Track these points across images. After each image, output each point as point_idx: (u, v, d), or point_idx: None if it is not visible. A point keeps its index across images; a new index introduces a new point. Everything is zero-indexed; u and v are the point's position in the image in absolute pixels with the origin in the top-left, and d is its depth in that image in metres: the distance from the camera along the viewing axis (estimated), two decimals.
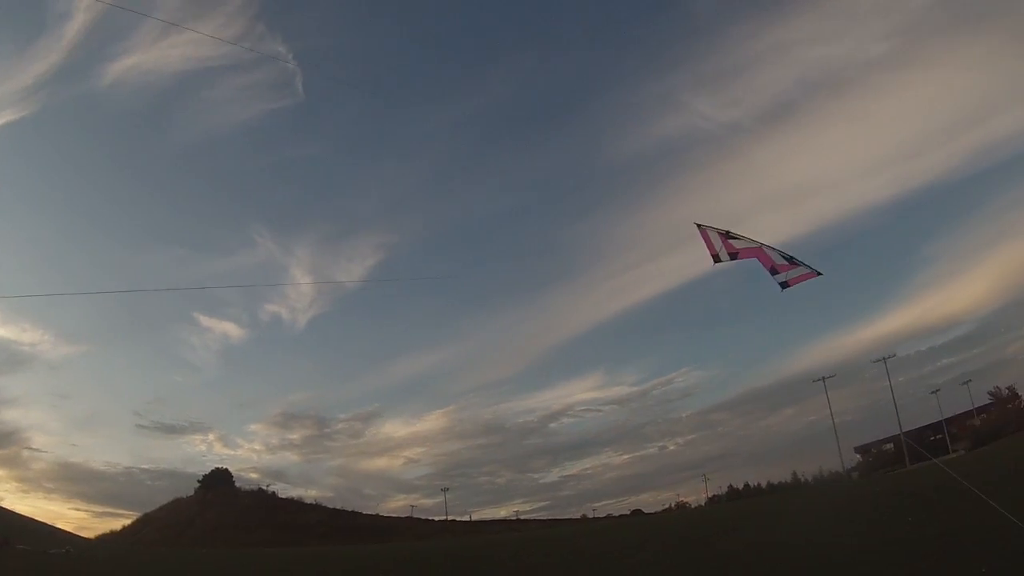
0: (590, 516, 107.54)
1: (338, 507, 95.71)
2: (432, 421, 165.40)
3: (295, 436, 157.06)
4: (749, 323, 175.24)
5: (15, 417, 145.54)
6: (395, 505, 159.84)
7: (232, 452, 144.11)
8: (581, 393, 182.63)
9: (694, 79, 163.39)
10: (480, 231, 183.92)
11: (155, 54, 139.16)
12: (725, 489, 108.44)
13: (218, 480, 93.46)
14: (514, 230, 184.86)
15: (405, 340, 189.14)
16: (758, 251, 14.12)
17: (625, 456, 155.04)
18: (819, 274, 13.84)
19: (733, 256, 14.24)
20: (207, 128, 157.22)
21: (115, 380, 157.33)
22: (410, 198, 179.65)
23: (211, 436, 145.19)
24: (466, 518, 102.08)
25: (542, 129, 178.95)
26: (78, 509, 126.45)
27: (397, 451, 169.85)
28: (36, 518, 65.82)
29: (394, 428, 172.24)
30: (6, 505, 65.07)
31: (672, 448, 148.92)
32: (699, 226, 14.65)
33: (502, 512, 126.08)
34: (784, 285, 13.89)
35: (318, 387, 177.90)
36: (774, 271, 13.90)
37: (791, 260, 13.88)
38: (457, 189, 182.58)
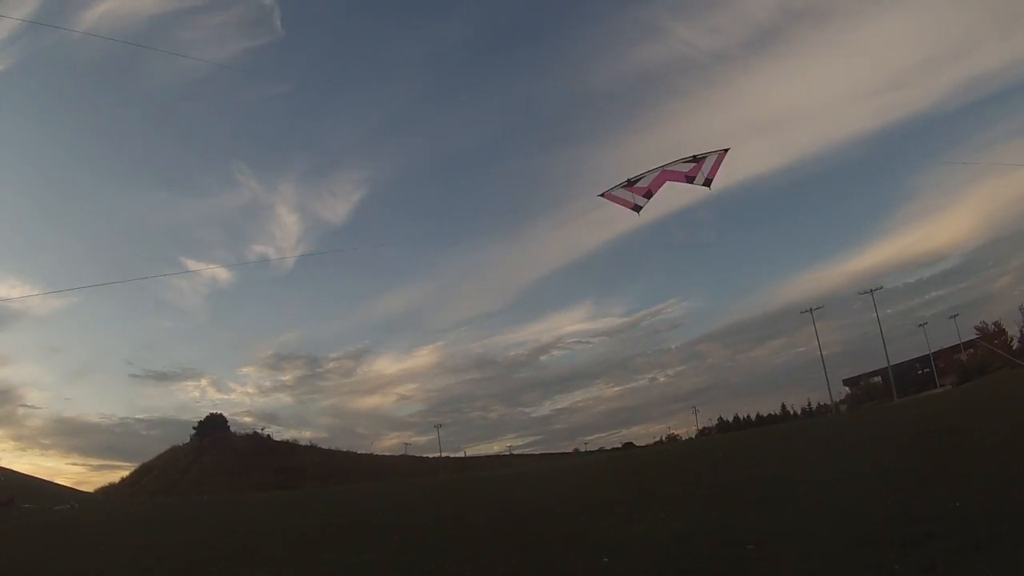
0: (582, 450, 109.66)
1: (332, 447, 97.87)
2: (423, 357, 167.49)
3: (287, 377, 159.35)
4: (735, 254, 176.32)
5: (7, 375, 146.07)
6: (389, 443, 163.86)
7: (225, 397, 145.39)
8: (570, 325, 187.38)
9: (676, 5, 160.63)
10: (460, 162, 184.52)
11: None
12: (715, 421, 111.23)
13: (213, 426, 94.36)
14: (495, 160, 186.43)
15: (392, 275, 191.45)
16: (664, 175, 14.17)
17: (616, 388, 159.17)
18: (727, 150, 13.94)
19: (648, 195, 14.25)
20: (183, 68, 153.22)
21: (105, 330, 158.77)
22: (388, 131, 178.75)
23: (204, 381, 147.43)
24: (460, 454, 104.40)
25: (520, 56, 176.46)
26: (75, 464, 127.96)
27: (389, 388, 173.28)
28: (35, 476, 66.25)
29: (385, 365, 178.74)
30: (5, 464, 65.37)
31: (662, 380, 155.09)
32: (603, 195, 14.70)
33: (495, 447, 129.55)
34: (708, 183, 13.94)
35: (308, 326, 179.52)
36: (689, 179, 13.96)
37: (695, 158, 13.92)
38: (435, 119, 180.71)
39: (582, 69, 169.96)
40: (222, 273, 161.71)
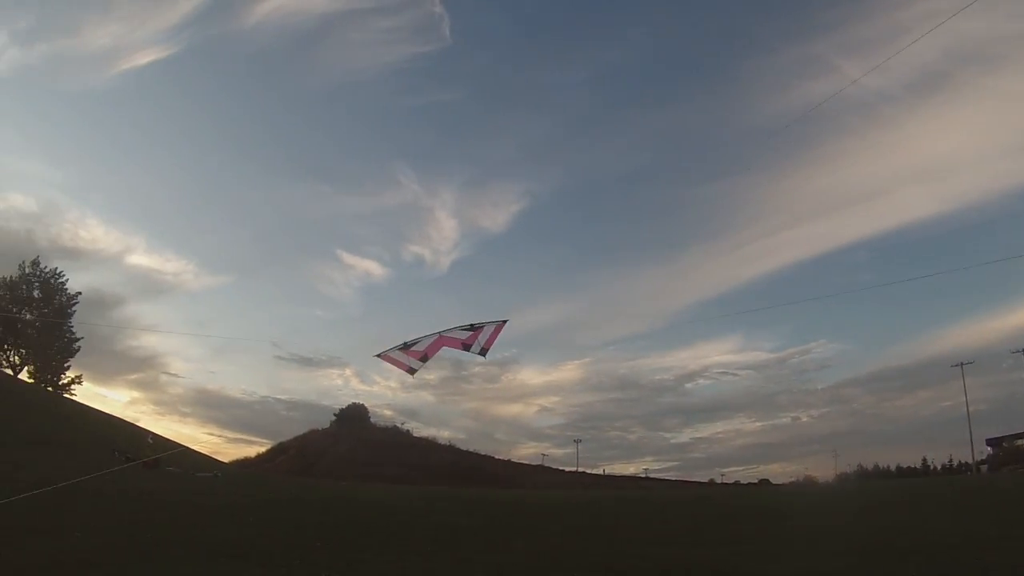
0: (718, 481, 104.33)
1: (470, 449, 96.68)
2: (568, 371, 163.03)
3: (431, 376, 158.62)
4: (889, 298, 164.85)
5: (154, 343, 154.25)
6: (525, 452, 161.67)
7: (368, 388, 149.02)
8: (718, 355, 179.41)
9: (841, 44, 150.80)
10: (619, 184, 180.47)
11: None
12: (854, 467, 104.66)
13: (353, 415, 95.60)
14: (653, 185, 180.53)
15: (544, 287, 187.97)
16: (441, 341, 14.34)
17: (757, 423, 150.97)
18: (505, 321, 14.34)
19: (424, 359, 14.33)
20: (351, 69, 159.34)
21: (255, 311, 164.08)
22: (548, 148, 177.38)
23: (348, 371, 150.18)
24: (598, 471, 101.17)
25: (684, 85, 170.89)
26: (212, 434, 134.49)
27: (531, 398, 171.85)
28: (174, 440, 68.91)
29: (530, 375, 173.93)
30: (144, 426, 67.95)
31: (804, 420, 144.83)
32: (379, 356, 14.57)
33: (631, 468, 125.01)
34: (483, 352, 14.22)
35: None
36: (466, 347, 14.19)
37: (472, 327, 14.20)
38: (595, 141, 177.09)
39: (746, 101, 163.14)
40: (377, 269, 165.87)
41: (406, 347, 14.26)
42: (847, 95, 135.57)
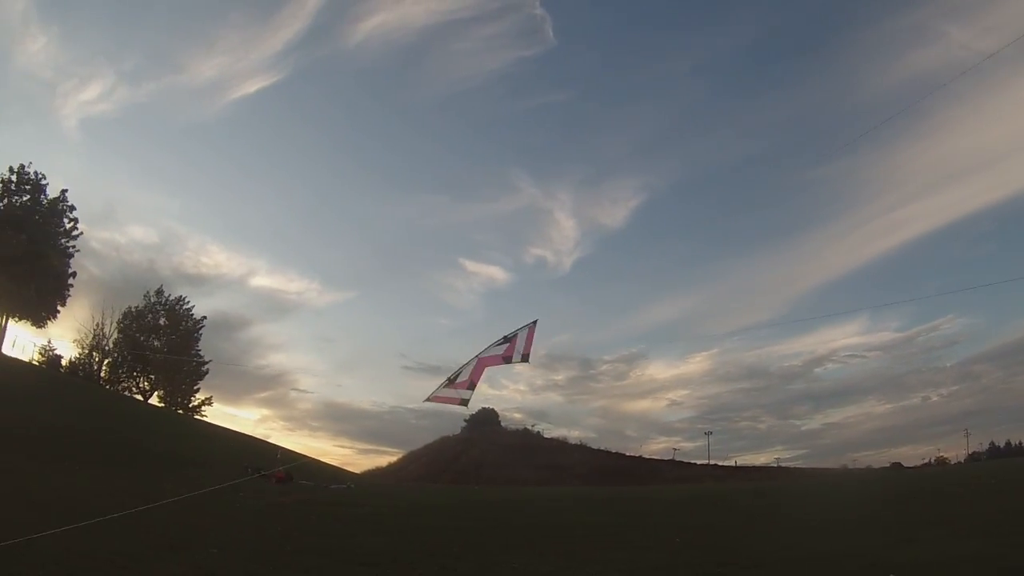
0: (850, 467, 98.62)
1: (601, 448, 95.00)
2: (695, 364, 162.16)
3: (559, 377, 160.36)
4: (1016, 270, 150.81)
5: (282, 360, 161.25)
6: (656, 447, 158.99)
7: (497, 393, 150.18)
8: (844, 338, 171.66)
9: (948, 6, 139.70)
10: (735, 171, 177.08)
11: (399, 11, 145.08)
12: (986, 446, 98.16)
13: (484, 420, 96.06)
14: (768, 172, 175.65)
15: (667, 281, 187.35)
16: (482, 363, 14.09)
17: (887, 406, 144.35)
18: (535, 322, 14.13)
19: (472, 386, 14.00)
20: (458, 78, 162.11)
21: (379, 324, 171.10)
22: (662, 141, 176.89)
23: None
24: (730, 462, 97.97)
25: (794, 65, 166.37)
26: (342, 446, 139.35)
27: (660, 393, 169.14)
28: (306, 453, 70.86)
29: (658, 370, 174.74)
30: (274, 442, 70.02)
31: (934, 399, 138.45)
32: (430, 399, 14.27)
33: (761, 458, 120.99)
34: (525, 358, 14.00)
35: (582, 329, 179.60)
36: (507, 359, 13.99)
37: (506, 339, 14.07)
38: (708, 130, 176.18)
39: (852, 79, 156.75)
40: (499, 274, 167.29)
41: (451, 382, 14.19)
42: (956, 60, 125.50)
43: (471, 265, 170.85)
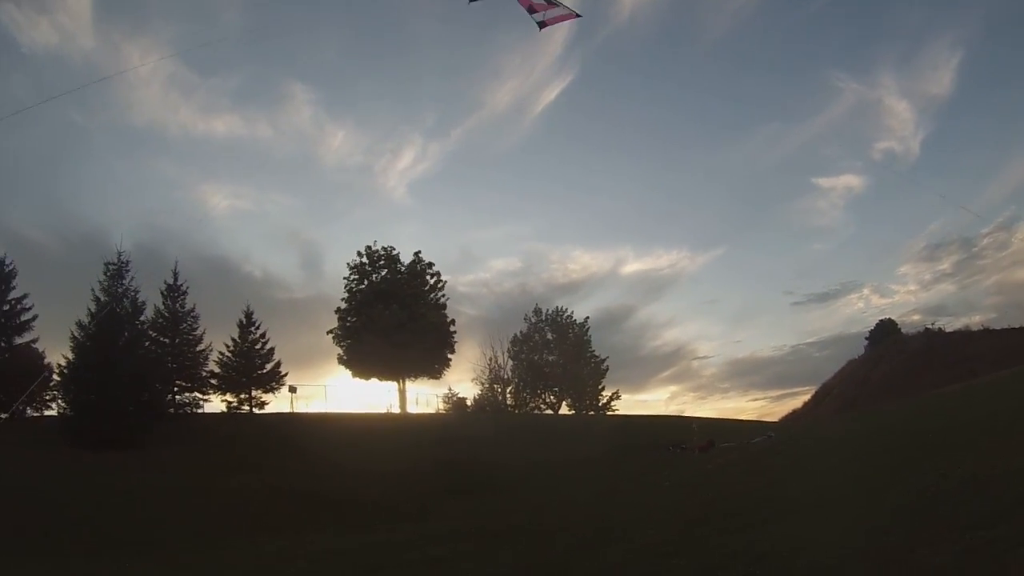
0: None
1: (1006, 327, 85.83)
2: None
3: (944, 266, 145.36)
4: None
5: (675, 335, 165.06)
6: None
7: (888, 300, 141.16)
8: None
9: None
10: None
11: None
12: None
13: (883, 332, 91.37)
14: None
15: None
16: None
17: None
18: (578, 15, 14.02)
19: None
20: (732, 9, 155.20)
21: (755, 269, 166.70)
22: None
23: (865, 291, 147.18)
24: None
25: None
26: (755, 399, 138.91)
27: None
28: (721, 417, 72.70)
29: None
30: (689, 414, 72.55)
31: None
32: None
33: None
34: (541, 24, 13.85)
35: (946, 207, 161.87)
36: (531, 9, 13.80)
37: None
38: None
39: None
40: (854, 181, 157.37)
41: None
42: None
43: (824, 181, 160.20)
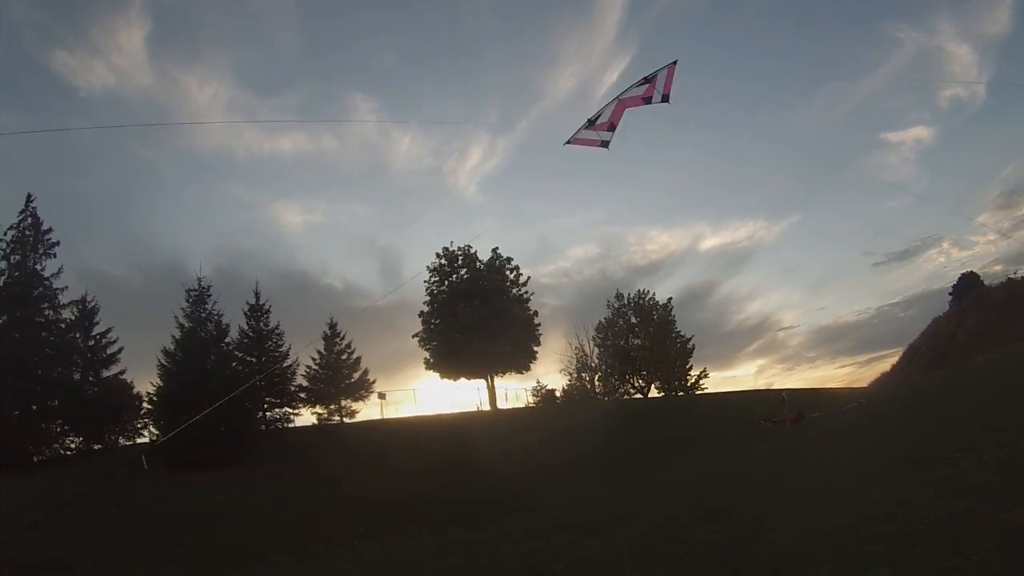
0: None
1: None
2: None
3: (1022, 211, 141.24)
4: None
5: (758, 307, 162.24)
6: None
7: (969, 252, 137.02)
8: None
9: None
10: None
11: None
12: None
13: (967, 286, 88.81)
14: None
15: None
16: (622, 104, 13.94)
17: None
18: (675, 62, 13.70)
19: (612, 127, 13.97)
20: None
21: (833, 232, 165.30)
22: None
23: (945, 245, 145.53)
24: None
25: None
26: (844, 366, 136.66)
27: None
28: (810, 387, 70.84)
29: None
30: (778, 386, 71.36)
31: None
32: (570, 143, 14.41)
33: None
34: (665, 98, 13.74)
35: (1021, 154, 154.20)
36: (647, 100, 13.78)
37: (646, 79, 13.76)
38: None
39: None
40: (923, 133, 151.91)
41: (591, 124, 14.22)
42: None
43: (893, 136, 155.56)
